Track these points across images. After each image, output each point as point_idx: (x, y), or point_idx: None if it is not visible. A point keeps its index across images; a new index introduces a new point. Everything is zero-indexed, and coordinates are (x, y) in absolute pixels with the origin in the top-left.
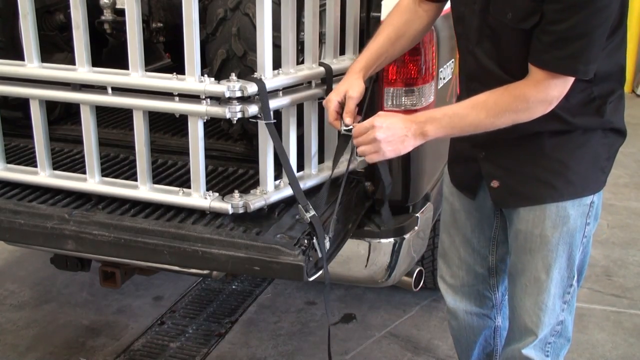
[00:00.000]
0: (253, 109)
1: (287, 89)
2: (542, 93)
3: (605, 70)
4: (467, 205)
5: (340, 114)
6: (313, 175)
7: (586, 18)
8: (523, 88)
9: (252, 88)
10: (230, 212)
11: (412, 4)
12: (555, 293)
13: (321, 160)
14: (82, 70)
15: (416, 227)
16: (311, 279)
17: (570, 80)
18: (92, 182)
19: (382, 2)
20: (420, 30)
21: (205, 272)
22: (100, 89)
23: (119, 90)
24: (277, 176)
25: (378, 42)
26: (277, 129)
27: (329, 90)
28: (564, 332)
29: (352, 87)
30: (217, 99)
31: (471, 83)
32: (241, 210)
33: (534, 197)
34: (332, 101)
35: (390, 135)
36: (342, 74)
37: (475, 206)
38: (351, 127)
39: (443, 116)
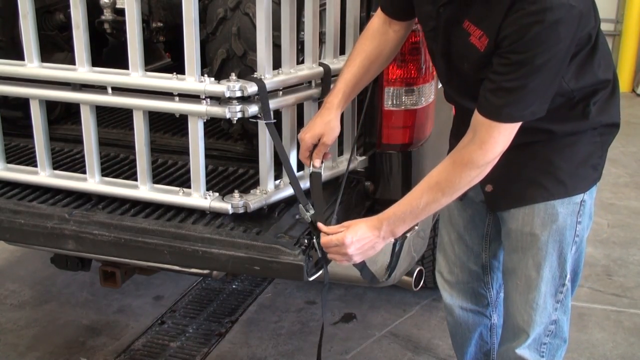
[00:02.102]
0: (253, 109)
1: (287, 89)
2: (489, 153)
3: (582, 85)
4: (459, 202)
5: (311, 151)
6: None
7: (526, 73)
8: (470, 154)
9: (252, 88)
10: (230, 212)
11: (382, 26)
12: (546, 291)
13: None
14: (82, 70)
15: (416, 227)
16: (311, 278)
17: (515, 127)
18: (92, 182)
19: None
20: (392, 51)
21: (206, 271)
22: (100, 88)
23: (119, 90)
24: (277, 176)
25: (352, 71)
26: (277, 129)
27: (326, 90)
28: (559, 333)
29: (328, 134)
30: (217, 99)
31: (460, 108)
32: (241, 210)
33: (526, 198)
34: (306, 142)
35: (360, 247)
36: None
37: (464, 204)
38: (319, 169)
39: (403, 213)
